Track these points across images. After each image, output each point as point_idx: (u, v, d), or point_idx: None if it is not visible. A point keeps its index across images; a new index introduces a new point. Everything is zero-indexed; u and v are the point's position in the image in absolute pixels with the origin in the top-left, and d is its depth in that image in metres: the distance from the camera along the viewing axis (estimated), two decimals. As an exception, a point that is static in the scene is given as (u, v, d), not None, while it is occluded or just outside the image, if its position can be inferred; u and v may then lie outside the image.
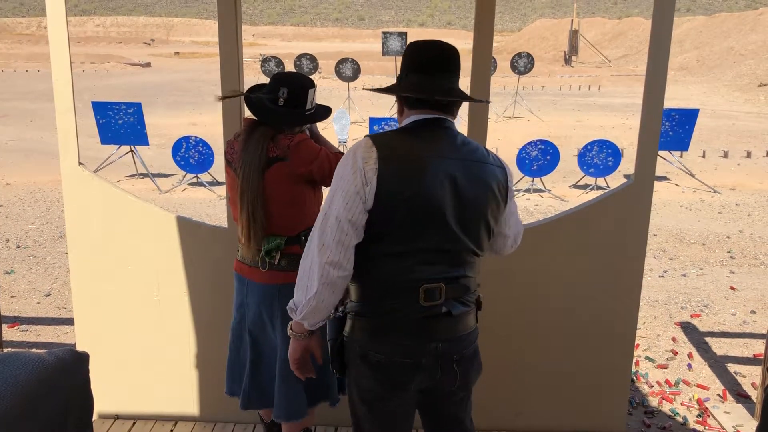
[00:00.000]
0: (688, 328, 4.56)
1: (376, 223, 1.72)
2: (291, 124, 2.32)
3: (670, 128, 8.83)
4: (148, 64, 29.90)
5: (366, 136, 1.78)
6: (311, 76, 13.17)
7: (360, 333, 1.80)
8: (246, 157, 2.28)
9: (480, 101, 2.20)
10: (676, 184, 9.28)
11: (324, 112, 2.45)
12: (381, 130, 6.97)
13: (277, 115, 2.31)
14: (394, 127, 1.89)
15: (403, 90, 1.82)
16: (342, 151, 2.39)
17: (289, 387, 2.34)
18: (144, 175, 8.96)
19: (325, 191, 2.00)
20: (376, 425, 1.87)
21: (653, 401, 3.54)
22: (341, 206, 1.70)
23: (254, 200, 2.27)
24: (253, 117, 2.36)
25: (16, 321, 4.52)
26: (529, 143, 8.26)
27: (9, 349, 4.00)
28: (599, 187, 8.73)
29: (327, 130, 10.46)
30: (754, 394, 3.56)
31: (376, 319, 1.78)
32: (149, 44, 49.51)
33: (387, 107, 15.08)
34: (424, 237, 1.73)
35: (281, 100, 2.30)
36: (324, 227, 1.72)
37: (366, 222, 1.72)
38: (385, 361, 1.78)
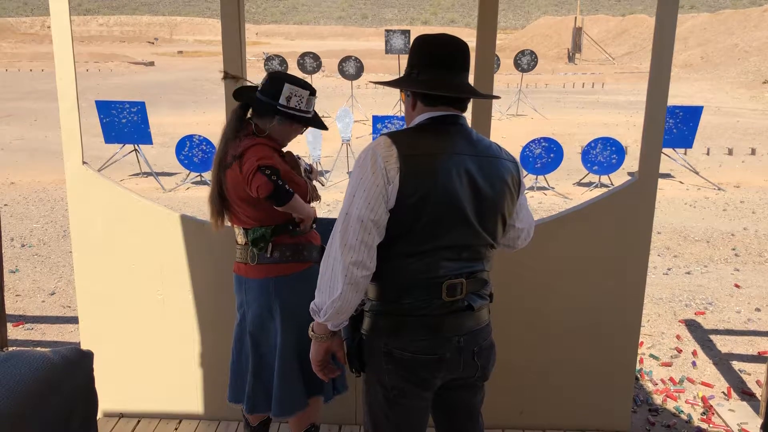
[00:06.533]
0: (692, 326, 4.55)
1: (398, 222, 1.72)
2: (259, 110, 2.36)
3: (674, 125, 8.81)
4: (152, 63, 29.95)
5: (383, 134, 1.78)
6: (314, 75, 13.20)
7: (383, 331, 1.81)
8: (217, 151, 2.40)
9: (495, 97, 2.19)
10: (680, 182, 9.26)
11: (313, 121, 2.44)
12: (384, 128, 6.97)
13: (251, 99, 2.38)
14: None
15: (425, 87, 1.81)
16: (307, 171, 2.46)
17: (287, 383, 2.36)
18: (148, 174, 8.98)
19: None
20: (395, 423, 1.87)
21: (657, 399, 3.53)
22: (363, 206, 1.70)
23: (213, 193, 2.38)
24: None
25: (20, 320, 4.54)
26: (533, 141, 8.25)
27: (14, 348, 4.01)
28: (603, 185, 8.71)
29: (330, 128, 10.44)
30: (759, 392, 3.55)
31: (399, 316, 1.79)
32: (153, 43, 49.59)
33: (390, 105, 15.06)
34: (447, 234, 1.74)
35: (260, 85, 2.38)
36: (346, 228, 1.71)
37: (387, 221, 1.72)
38: (410, 358, 1.79)
